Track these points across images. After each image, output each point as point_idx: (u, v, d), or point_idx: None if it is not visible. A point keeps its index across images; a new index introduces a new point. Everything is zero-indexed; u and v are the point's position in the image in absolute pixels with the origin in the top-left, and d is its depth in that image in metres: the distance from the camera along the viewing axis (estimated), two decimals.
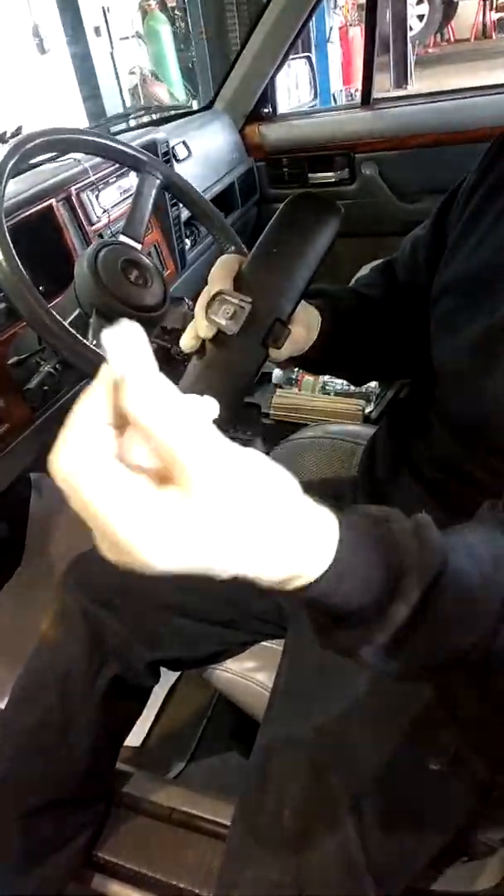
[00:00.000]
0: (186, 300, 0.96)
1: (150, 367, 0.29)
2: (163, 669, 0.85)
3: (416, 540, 0.37)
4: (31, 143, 0.83)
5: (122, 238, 0.92)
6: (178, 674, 1.19)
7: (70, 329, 0.74)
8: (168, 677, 1.18)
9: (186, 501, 0.28)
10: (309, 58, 2.07)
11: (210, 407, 0.31)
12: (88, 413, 0.29)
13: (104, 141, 0.94)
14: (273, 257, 0.57)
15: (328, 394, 1.54)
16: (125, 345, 0.29)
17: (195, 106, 2.00)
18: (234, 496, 0.30)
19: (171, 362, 1.01)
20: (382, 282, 0.76)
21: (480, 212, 0.64)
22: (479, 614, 0.38)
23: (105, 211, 1.13)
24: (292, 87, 2.01)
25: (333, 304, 0.68)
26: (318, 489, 0.88)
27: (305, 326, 0.64)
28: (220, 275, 0.56)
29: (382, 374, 1.01)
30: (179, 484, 0.29)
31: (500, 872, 0.62)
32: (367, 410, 1.43)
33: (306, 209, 0.59)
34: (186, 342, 0.58)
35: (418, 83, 6.58)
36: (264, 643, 0.82)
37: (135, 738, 1.11)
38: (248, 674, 0.80)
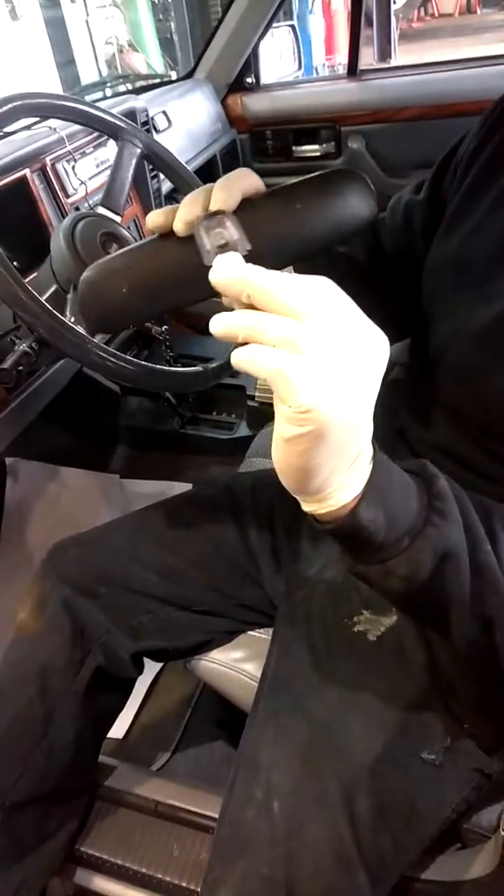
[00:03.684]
0: None
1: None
2: (146, 660, 0.82)
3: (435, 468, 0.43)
4: (3, 108, 0.78)
5: (101, 210, 0.87)
6: (161, 664, 1.17)
7: (47, 305, 0.70)
8: (151, 668, 1.16)
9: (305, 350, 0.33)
10: (293, 26, 1.99)
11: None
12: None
13: (81, 106, 0.89)
14: (292, 213, 0.50)
15: None
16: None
17: (174, 78, 1.92)
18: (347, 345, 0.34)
19: (152, 342, 0.97)
20: (366, 246, 0.71)
21: (480, 186, 0.60)
22: (463, 568, 0.41)
23: (82, 183, 1.08)
24: (275, 57, 1.94)
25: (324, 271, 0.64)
26: None
27: None
28: (233, 186, 0.47)
29: None
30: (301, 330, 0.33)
31: (494, 860, 0.62)
32: None
33: (353, 191, 0.52)
34: (154, 219, 0.50)
35: (402, 58, 6.47)
36: (251, 632, 0.80)
37: (118, 730, 1.09)
38: (235, 664, 0.78)
